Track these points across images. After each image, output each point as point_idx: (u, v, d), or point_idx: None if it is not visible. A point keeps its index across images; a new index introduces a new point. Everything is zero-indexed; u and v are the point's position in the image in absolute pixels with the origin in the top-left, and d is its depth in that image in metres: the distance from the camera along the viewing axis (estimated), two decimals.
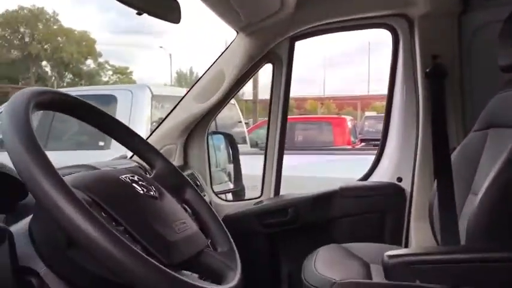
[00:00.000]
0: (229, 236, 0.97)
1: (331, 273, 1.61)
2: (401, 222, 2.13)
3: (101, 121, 0.90)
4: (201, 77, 2.15)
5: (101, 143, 4.33)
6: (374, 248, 1.93)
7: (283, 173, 2.30)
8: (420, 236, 2.03)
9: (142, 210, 0.78)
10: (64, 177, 0.66)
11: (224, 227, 0.98)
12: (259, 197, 2.30)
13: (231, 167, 3.26)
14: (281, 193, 2.29)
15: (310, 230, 2.16)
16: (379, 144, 2.35)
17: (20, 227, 0.75)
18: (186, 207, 0.97)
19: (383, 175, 2.25)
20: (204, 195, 2.10)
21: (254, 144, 7.35)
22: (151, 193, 0.83)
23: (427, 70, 1.98)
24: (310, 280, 1.64)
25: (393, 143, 2.26)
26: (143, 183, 0.84)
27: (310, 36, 2.19)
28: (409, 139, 2.14)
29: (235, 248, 0.94)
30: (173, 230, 0.79)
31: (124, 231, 0.70)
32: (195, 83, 2.15)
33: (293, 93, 2.74)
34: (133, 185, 0.81)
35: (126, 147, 0.99)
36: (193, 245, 0.83)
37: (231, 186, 3.16)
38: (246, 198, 2.52)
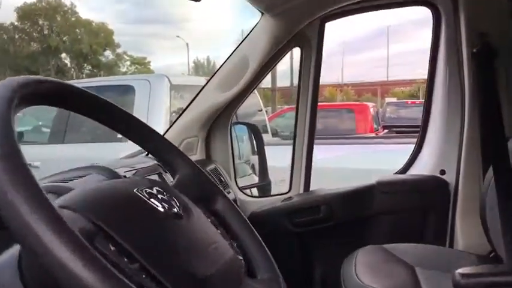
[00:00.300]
0: (272, 260, 0.79)
1: (376, 282, 1.44)
2: (445, 220, 1.93)
3: (108, 114, 0.73)
4: (222, 64, 1.97)
5: (120, 135, 4.20)
6: (418, 249, 1.75)
7: None
8: (467, 236, 1.84)
9: (164, 237, 0.60)
10: (61, 198, 0.49)
11: (266, 247, 0.81)
12: (287, 193, 2.13)
13: (254, 159, 3.09)
14: (311, 188, 2.12)
15: (344, 229, 1.98)
16: (418, 133, 2.15)
17: (7, 255, 0.58)
18: (216, 221, 0.80)
19: (424, 167, 2.05)
20: (229, 192, 1.94)
21: (274, 133, 7.16)
22: (175, 210, 0.65)
23: (474, 50, 1.76)
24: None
25: (435, 131, 2.05)
26: (164, 197, 0.66)
27: (342, 16, 1.99)
28: (453, 127, 1.93)
29: (279, 274, 0.76)
30: (204, 260, 0.62)
31: (140, 268, 0.52)
32: (217, 71, 1.98)
33: None
34: (152, 200, 0.64)
35: (141, 146, 0.82)
36: (230, 278, 0.67)
37: (256, 179, 2.98)
38: (273, 193, 2.33)
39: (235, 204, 0.86)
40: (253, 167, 3.23)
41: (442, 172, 1.98)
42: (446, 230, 1.93)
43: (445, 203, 1.93)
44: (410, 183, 2.02)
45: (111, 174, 1.06)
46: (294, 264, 2.02)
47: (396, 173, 2.14)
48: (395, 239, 1.83)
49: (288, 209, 1.99)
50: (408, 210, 1.97)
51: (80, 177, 1.00)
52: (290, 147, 2.14)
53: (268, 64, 1.92)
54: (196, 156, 2.06)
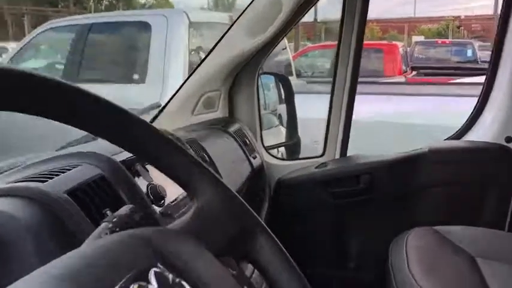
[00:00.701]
0: None
1: (432, 278, 1.20)
2: (509, 197, 1.65)
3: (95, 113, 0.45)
4: (249, 4, 1.63)
5: (136, 76, 3.92)
6: (477, 234, 1.49)
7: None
8: None
9: None
10: None
11: None
12: (320, 156, 1.85)
13: (281, 108, 2.79)
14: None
15: (387, 203, 1.71)
16: (482, 93, 1.80)
17: None
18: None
19: (486, 133, 1.74)
20: (255, 157, 1.67)
21: (298, 74, 6.77)
22: None
23: None
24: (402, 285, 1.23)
25: (502, 89, 1.71)
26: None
27: None
28: None
29: None
30: None
31: None
32: (243, 12, 1.64)
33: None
34: None
35: (140, 156, 0.55)
36: None
37: (283, 131, 2.69)
38: (303, 156, 2.04)
39: (280, 245, 0.59)
40: (280, 117, 2.94)
41: (509, 139, 1.67)
42: (508, 210, 1.65)
43: (510, 176, 1.64)
44: (468, 152, 1.71)
45: (107, 163, 0.79)
46: (327, 240, 1.79)
47: (450, 138, 1.83)
48: (447, 218, 1.57)
49: (323, 177, 1.72)
50: (464, 184, 1.68)
51: (68, 169, 0.75)
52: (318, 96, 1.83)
53: (305, 5, 1.57)
54: (217, 113, 1.78)
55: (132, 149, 0.51)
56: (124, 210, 0.55)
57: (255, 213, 0.58)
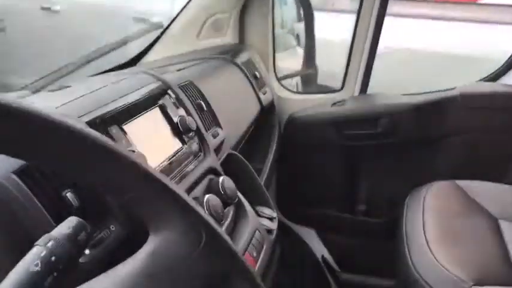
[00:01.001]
0: None
1: (445, 242, 1.10)
2: None
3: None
4: None
5: None
6: (505, 193, 1.36)
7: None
8: None
9: None
10: None
11: None
12: (339, 91, 1.67)
13: (299, 27, 2.54)
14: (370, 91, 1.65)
15: (407, 151, 1.56)
16: None
17: None
18: None
19: None
20: (265, 93, 1.51)
21: None
22: None
23: None
24: (415, 254, 1.13)
25: None
26: None
27: None
28: None
29: None
30: None
31: None
32: None
33: None
34: None
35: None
36: None
37: (300, 53, 2.47)
38: (318, 91, 1.85)
39: None
40: (298, 37, 2.69)
41: None
42: None
43: None
44: (504, 97, 1.51)
45: None
46: (337, 181, 1.67)
47: (484, 79, 1.62)
48: (472, 172, 1.42)
49: (338, 117, 1.56)
50: (495, 134, 1.51)
51: None
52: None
53: None
54: (226, 38, 1.59)
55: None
56: (66, 227, 0.42)
57: (242, 258, 0.44)
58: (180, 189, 0.39)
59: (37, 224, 0.55)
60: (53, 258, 0.39)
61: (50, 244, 0.40)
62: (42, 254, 0.39)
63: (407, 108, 1.51)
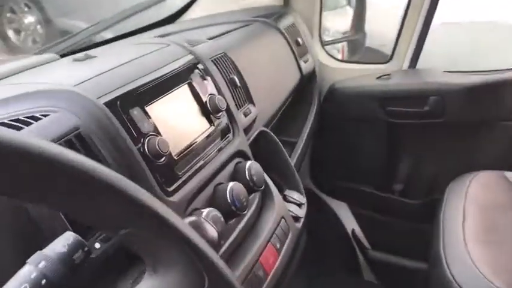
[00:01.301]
0: None
1: (483, 241, 1.03)
2: None
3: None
4: None
5: None
6: None
7: None
8: None
9: None
10: None
11: None
12: (386, 63, 1.56)
13: None
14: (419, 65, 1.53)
15: (456, 133, 1.45)
16: None
17: None
18: None
19: None
20: (306, 60, 1.43)
21: None
22: None
23: None
24: (450, 250, 1.06)
25: None
26: None
27: None
28: None
29: None
30: None
31: None
32: None
33: None
34: None
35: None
36: None
37: (350, 13, 2.32)
38: (364, 61, 1.72)
39: None
40: None
41: None
42: None
43: None
44: None
45: (87, 111, 0.60)
46: (375, 158, 1.59)
47: None
48: None
49: (383, 91, 1.46)
50: None
51: (29, 120, 0.57)
52: None
53: None
54: (267, 0, 1.49)
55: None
56: (61, 245, 0.38)
57: None
58: (183, 224, 0.34)
59: (53, 225, 0.52)
60: (44, 281, 0.36)
61: (41, 265, 0.37)
62: (33, 276, 0.36)
63: (460, 88, 1.39)
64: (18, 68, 0.81)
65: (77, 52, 0.97)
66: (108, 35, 1.33)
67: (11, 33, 3.54)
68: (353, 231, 1.72)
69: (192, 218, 0.59)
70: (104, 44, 1.14)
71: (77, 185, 0.29)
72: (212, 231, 0.59)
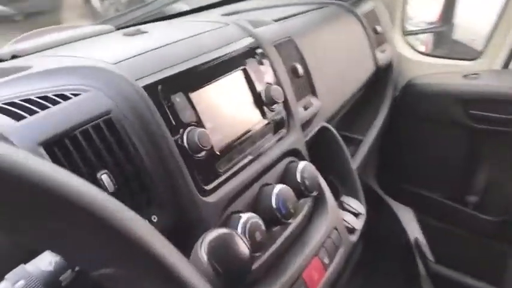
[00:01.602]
0: None
1: None
2: None
3: None
4: None
5: None
6: None
7: None
8: None
9: None
10: None
11: None
12: (474, 60, 1.39)
13: None
14: None
15: None
16: None
17: None
18: None
19: None
20: (384, 51, 1.30)
21: None
22: None
23: None
24: None
25: None
26: None
27: None
28: None
29: None
30: None
31: None
32: None
33: None
34: None
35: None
36: None
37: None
38: (450, 56, 1.53)
39: None
40: None
41: None
42: None
43: None
44: None
45: (122, 95, 0.54)
46: (450, 168, 1.43)
47: None
48: None
49: (469, 93, 1.30)
50: None
51: (59, 99, 0.51)
52: None
53: None
54: None
55: None
56: (47, 262, 0.32)
57: None
58: (187, 266, 0.27)
59: None
60: None
61: (19, 284, 0.30)
62: None
63: None
64: (68, 38, 0.76)
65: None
66: (184, 7, 1.27)
67: (94, 0, 3.63)
68: (416, 239, 1.58)
69: (222, 231, 0.52)
70: (168, 19, 1.09)
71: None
72: (243, 249, 0.51)
